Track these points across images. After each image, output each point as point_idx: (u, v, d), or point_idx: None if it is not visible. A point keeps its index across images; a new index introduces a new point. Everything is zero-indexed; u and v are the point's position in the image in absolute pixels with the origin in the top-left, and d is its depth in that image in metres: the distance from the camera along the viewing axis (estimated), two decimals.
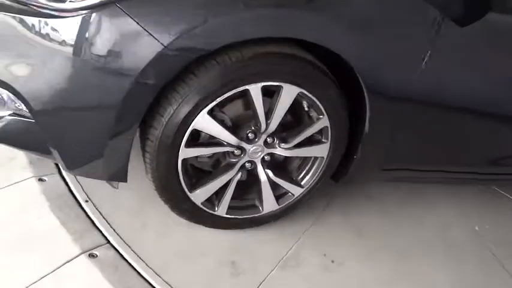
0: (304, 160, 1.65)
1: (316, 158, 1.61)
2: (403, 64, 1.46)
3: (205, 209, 1.53)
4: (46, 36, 1.14)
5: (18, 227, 1.49)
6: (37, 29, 1.15)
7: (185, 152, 1.38)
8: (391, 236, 1.85)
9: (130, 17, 1.13)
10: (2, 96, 1.25)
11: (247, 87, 1.33)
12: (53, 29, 1.14)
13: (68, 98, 1.20)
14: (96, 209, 1.59)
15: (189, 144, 1.37)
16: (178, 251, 1.52)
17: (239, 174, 1.52)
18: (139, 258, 1.46)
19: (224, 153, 1.50)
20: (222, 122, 1.43)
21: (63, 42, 1.14)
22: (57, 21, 1.14)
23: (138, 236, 1.55)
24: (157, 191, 1.45)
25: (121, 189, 1.47)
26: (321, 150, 1.58)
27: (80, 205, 1.60)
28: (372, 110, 1.51)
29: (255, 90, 1.35)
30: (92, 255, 1.44)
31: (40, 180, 1.63)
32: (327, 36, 1.31)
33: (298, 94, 1.40)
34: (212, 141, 1.42)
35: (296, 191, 1.64)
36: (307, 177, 1.64)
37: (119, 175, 1.38)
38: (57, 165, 1.70)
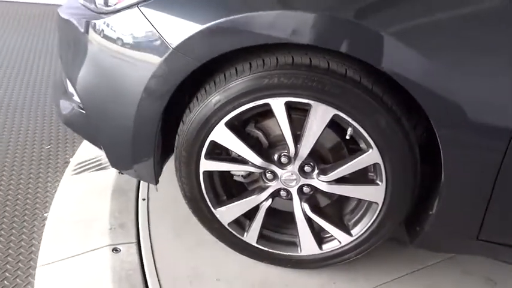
0: (359, 203, 1.34)
1: (370, 204, 1.29)
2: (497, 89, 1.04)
3: (232, 231, 1.41)
4: (88, 33, 1.28)
5: None
6: (86, 27, 1.30)
7: (206, 165, 1.30)
8: None
9: (146, 18, 1.16)
10: (72, 89, 1.46)
11: (268, 100, 1.17)
12: (93, 27, 1.27)
13: (99, 95, 1.31)
14: None
15: (210, 157, 1.30)
16: (195, 267, 1.44)
17: (269, 201, 1.34)
18: (154, 265, 1.44)
19: (260, 174, 1.36)
20: (255, 140, 1.30)
21: (97, 38, 1.26)
22: (99, 21, 1.26)
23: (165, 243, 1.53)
24: (185, 201, 1.41)
25: None
26: (373, 194, 1.24)
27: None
28: (446, 151, 1.11)
29: (278, 105, 1.17)
30: None
31: (115, 250, 1.49)
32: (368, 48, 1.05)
33: (335, 117, 1.15)
34: (237, 157, 1.31)
35: (343, 239, 1.34)
36: (359, 225, 1.32)
37: (149, 179, 1.41)
38: (138, 233, 1.57)
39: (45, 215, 1.73)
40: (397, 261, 1.52)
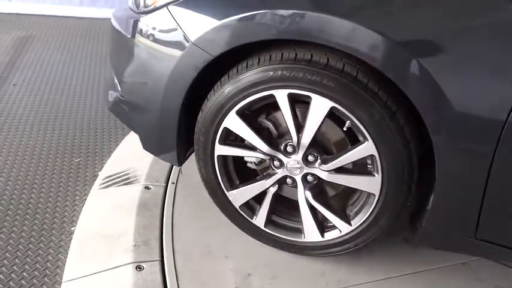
0: (361, 194, 1.40)
1: (369, 195, 1.35)
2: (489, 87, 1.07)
3: (243, 214, 1.53)
4: (128, 31, 1.49)
5: None
6: (127, 26, 1.51)
7: (220, 149, 1.45)
8: None
9: (172, 16, 1.34)
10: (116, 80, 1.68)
11: (272, 92, 1.29)
12: (133, 26, 1.48)
13: (133, 83, 1.51)
14: None
15: (224, 143, 1.44)
16: (206, 245, 1.58)
17: (275, 187, 1.45)
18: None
19: (270, 162, 1.47)
20: (266, 129, 1.43)
21: (135, 34, 1.46)
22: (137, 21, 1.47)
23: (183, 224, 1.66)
24: (202, 182, 1.56)
25: None
26: (371, 185, 1.31)
27: None
28: (439, 152, 1.16)
29: (281, 97, 1.28)
30: None
31: (138, 268, 1.48)
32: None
33: (333, 109, 1.24)
34: (248, 144, 1.43)
35: (343, 228, 1.41)
36: (359, 215, 1.38)
37: (173, 161, 1.59)
38: (162, 252, 1.56)
39: (72, 229, 1.75)
40: (404, 260, 1.54)
